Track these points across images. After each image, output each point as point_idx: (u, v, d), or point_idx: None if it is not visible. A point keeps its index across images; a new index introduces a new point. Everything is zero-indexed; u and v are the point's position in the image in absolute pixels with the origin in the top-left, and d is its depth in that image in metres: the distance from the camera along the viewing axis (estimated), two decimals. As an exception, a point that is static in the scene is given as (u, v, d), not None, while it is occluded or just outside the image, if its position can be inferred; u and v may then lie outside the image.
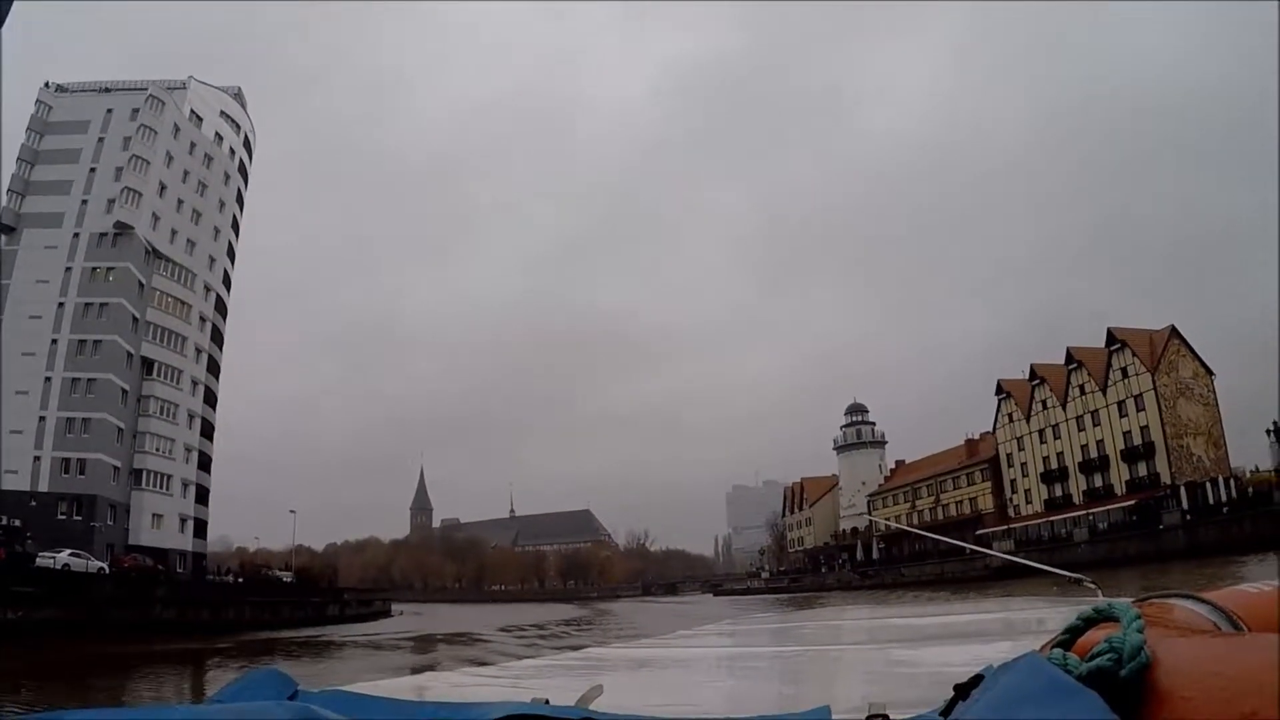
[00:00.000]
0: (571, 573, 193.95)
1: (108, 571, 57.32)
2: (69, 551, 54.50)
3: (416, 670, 30.04)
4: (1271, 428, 71.20)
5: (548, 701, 1.79)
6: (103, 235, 78.91)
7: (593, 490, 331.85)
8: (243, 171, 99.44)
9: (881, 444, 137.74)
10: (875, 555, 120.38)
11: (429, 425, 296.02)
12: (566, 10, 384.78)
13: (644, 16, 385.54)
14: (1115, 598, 4.16)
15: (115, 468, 75.33)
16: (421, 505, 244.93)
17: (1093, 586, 5.52)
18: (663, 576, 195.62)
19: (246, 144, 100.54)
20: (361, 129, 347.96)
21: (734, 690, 4.12)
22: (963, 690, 1.28)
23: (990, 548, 72.21)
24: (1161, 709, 1.08)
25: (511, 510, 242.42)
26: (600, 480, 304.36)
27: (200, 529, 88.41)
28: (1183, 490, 76.67)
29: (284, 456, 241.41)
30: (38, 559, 51.54)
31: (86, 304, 76.80)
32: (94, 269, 78.11)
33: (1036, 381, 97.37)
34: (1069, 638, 1.41)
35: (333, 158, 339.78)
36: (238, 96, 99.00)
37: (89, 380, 74.75)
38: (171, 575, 70.84)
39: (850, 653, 4.88)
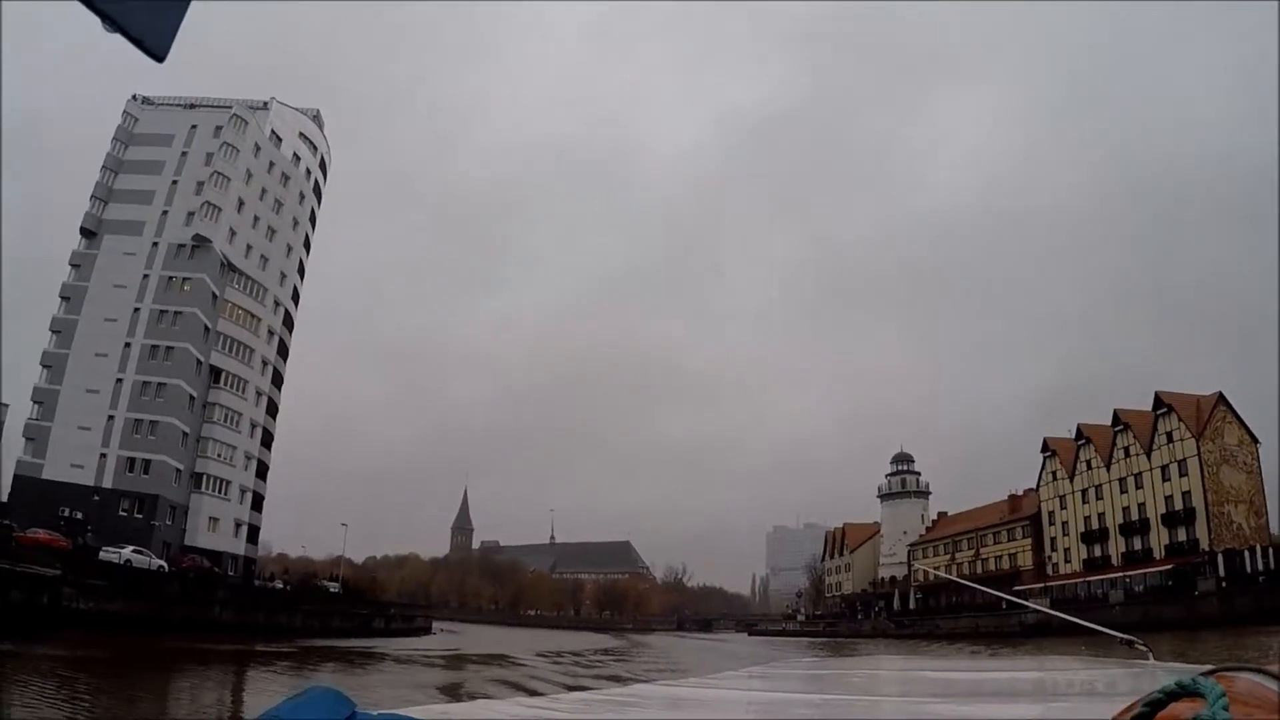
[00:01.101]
0: (608, 603, 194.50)
1: (167, 570, 59.07)
2: (131, 548, 56.49)
3: (456, 687, 31.80)
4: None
5: None
6: (181, 246, 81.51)
7: (633, 522, 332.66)
8: (317, 192, 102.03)
9: (925, 494, 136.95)
10: (912, 605, 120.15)
11: (473, 447, 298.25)
12: (631, 55, 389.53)
13: (705, 64, 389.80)
14: (1165, 662, 5.03)
15: (178, 470, 77.65)
16: (463, 525, 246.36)
17: (1144, 649, 5.86)
18: (698, 612, 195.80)
19: (322, 165, 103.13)
20: (427, 157, 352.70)
21: None
22: None
23: (1025, 605, 72.45)
24: None
25: (552, 536, 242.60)
26: (641, 512, 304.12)
27: (253, 534, 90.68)
28: (1220, 557, 76.47)
29: (326, 467, 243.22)
30: (101, 553, 53.65)
31: (161, 311, 79.37)
32: (170, 278, 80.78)
33: (1082, 441, 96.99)
34: (1149, 710, 1.38)
35: (397, 181, 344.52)
36: (316, 119, 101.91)
37: (159, 385, 77.21)
38: (224, 577, 72.87)
39: (900, 705, 4.48)
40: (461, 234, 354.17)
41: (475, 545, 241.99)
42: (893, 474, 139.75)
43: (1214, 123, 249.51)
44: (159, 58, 1.35)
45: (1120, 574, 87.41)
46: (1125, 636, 6.14)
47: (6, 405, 72.34)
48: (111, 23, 1.24)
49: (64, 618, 39.44)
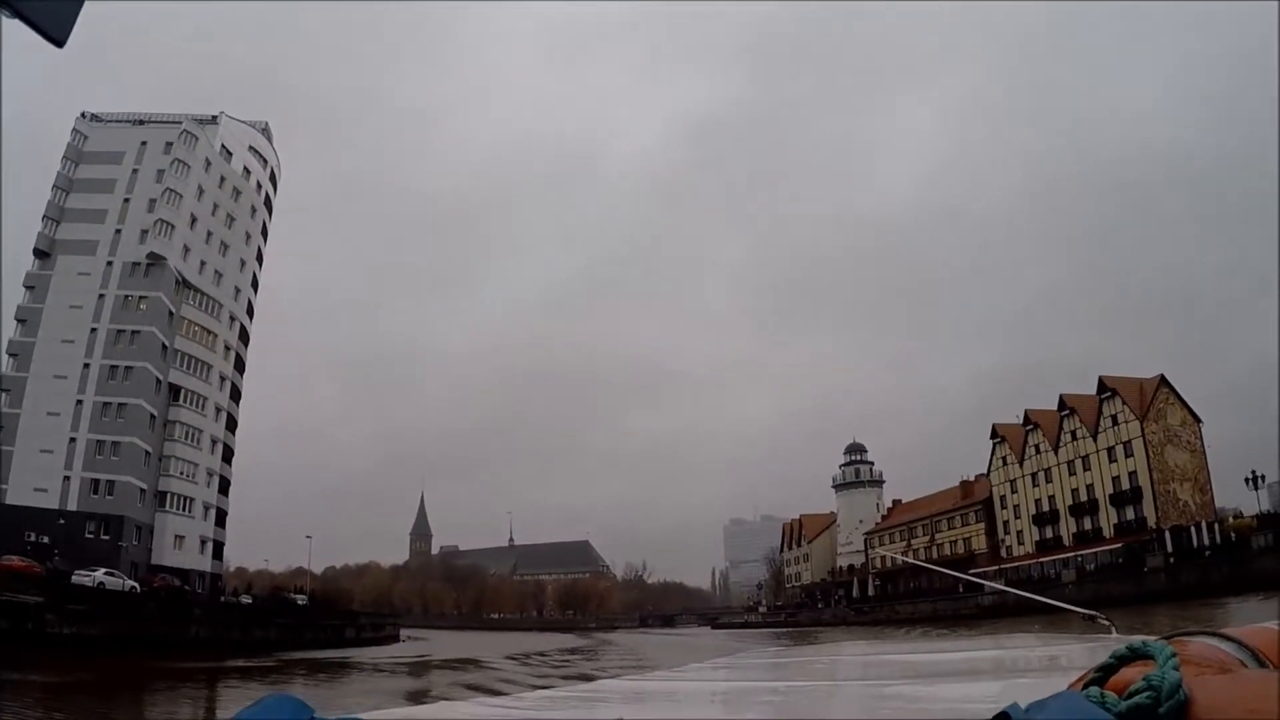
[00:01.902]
0: (570, 602, 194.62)
1: (139, 591, 58.75)
2: (103, 571, 56.17)
3: (432, 691, 32.70)
4: (1250, 476, 73.65)
5: None
6: (135, 265, 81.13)
7: (592, 521, 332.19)
8: (268, 204, 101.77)
9: (879, 483, 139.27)
10: (871, 592, 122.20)
11: (431, 454, 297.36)
12: (588, 59, 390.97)
13: (661, 68, 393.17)
14: (1127, 635, 5.05)
15: (141, 490, 77.31)
16: (421, 532, 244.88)
17: (1106, 623, 6.09)
18: (660, 608, 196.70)
19: (272, 178, 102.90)
20: (383, 165, 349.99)
21: None
22: None
23: (982, 588, 74.48)
24: None
25: (511, 539, 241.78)
26: (599, 512, 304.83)
27: (217, 550, 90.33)
28: (1167, 534, 78.89)
29: (282, 479, 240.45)
30: (74, 576, 53.39)
31: (119, 330, 78.97)
32: (126, 297, 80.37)
33: (1030, 426, 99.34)
34: (1102, 675, 1.39)
35: (353, 191, 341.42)
36: (265, 131, 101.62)
37: (119, 405, 76.83)
38: (195, 595, 72.76)
39: (862, 688, 4.68)
40: (418, 245, 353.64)
41: (435, 551, 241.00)
42: (846, 464, 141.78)
43: (1153, 118, 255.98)
44: (59, 42, 1.32)
45: (1072, 553, 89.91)
46: (1089, 612, 6.48)
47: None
48: (9, 8, 1.22)
49: (49, 643, 39.78)
